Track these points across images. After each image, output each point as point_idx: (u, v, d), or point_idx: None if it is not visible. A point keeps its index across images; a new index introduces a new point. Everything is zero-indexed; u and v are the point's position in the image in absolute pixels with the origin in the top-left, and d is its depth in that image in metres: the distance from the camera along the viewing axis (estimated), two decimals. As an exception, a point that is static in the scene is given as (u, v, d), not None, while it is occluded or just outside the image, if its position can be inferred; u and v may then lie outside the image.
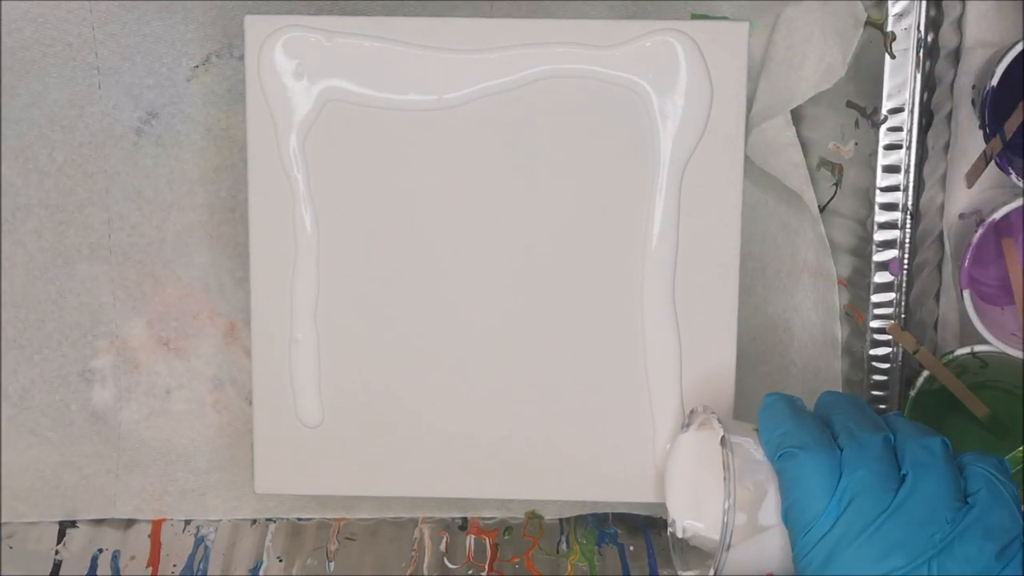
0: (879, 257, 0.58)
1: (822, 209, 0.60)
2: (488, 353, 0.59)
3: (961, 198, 0.60)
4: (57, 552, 0.64)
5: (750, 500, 0.48)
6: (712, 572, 0.49)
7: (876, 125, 0.57)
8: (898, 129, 0.57)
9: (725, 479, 0.48)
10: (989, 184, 0.59)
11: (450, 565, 0.62)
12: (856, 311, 0.59)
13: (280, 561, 0.63)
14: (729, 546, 0.48)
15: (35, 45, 0.61)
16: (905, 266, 0.58)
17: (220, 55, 0.61)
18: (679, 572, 0.53)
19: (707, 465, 0.51)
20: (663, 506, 0.64)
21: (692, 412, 0.54)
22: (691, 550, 0.52)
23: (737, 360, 0.59)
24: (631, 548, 0.63)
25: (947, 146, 0.59)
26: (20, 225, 0.62)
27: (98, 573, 0.63)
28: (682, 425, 0.55)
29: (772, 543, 0.48)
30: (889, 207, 0.57)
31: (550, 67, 0.57)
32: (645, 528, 0.64)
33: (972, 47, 0.58)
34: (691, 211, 0.57)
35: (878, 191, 0.57)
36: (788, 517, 0.47)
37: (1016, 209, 0.57)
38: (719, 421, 0.51)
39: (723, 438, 0.49)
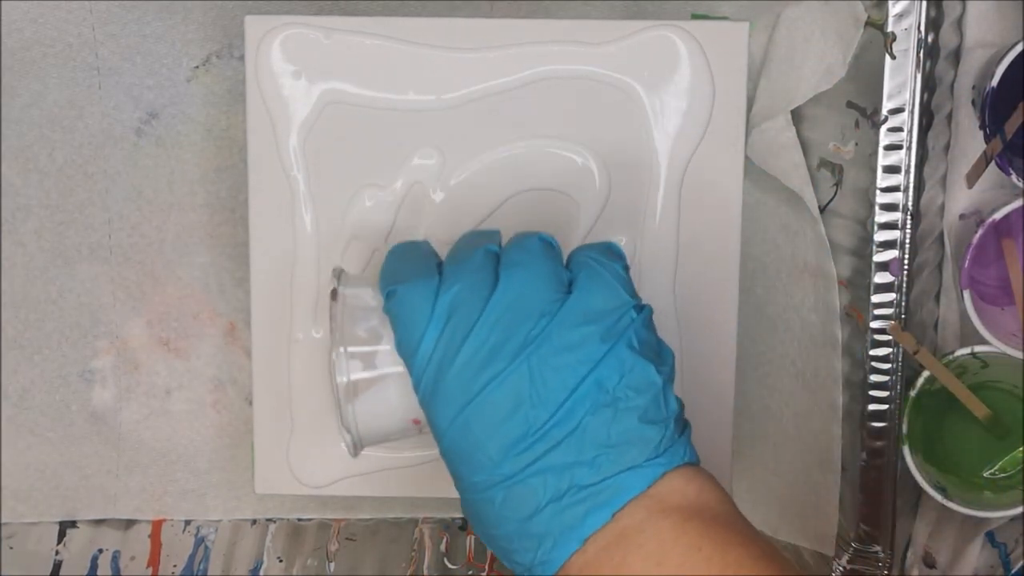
0: (879, 257, 0.58)
1: (822, 209, 0.60)
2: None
3: (961, 198, 0.60)
4: (57, 552, 0.64)
5: (363, 349, 0.47)
6: (345, 433, 0.48)
7: (876, 125, 0.57)
8: (898, 129, 0.56)
9: (332, 331, 0.47)
10: (989, 184, 0.59)
11: (450, 565, 0.63)
12: (856, 311, 0.59)
13: (280, 561, 0.63)
14: (351, 400, 0.47)
15: (35, 45, 0.61)
16: (905, 266, 0.58)
17: (220, 55, 0.61)
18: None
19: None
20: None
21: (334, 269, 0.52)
22: None
23: (737, 360, 0.59)
24: (631, 548, 0.63)
25: (947, 146, 0.59)
26: (20, 225, 0.62)
27: (98, 573, 0.63)
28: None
29: (398, 387, 0.47)
30: (889, 207, 0.57)
31: (550, 67, 0.57)
32: (645, 528, 0.64)
33: (972, 47, 0.58)
34: (691, 211, 0.57)
35: (878, 191, 0.57)
36: (400, 352, 0.45)
37: (1016, 209, 0.57)
38: (337, 276, 0.49)
39: (333, 291, 0.48)
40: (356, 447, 0.49)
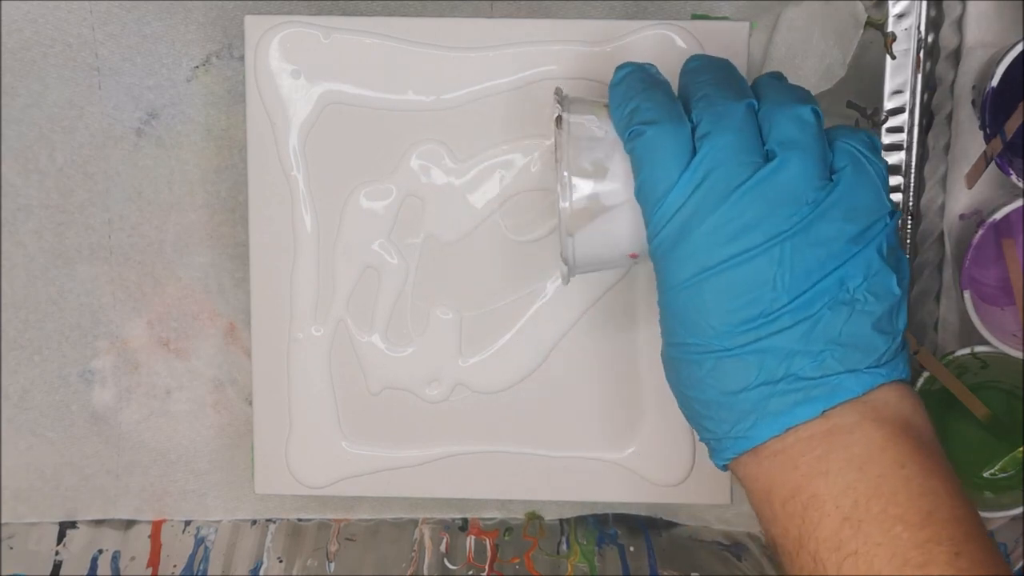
0: (879, 257, 0.58)
1: (822, 209, 0.60)
2: (488, 353, 0.59)
3: (961, 199, 0.60)
4: (57, 552, 0.64)
5: (589, 180, 0.45)
6: (562, 261, 0.47)
7: (877, 125, 0.57)
8: (899, 130, 0.57)
9: (557, 160, 0.46)
10: (989, 185, 0.60)
11: (450, 566, 0.63)
12: (856, 311, 0.59)
13: (280, 562, 0.63)
14: (571, 232, 0.46)
15: (35, 45, 0.61)
16: (905, 266, 0.58)
17: (220, 55, 0.61)
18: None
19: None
20: (663, 507, 0.64)
21: (556, 91, 0.50)
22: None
23: (737, 360, 0.59)
24: (631, 548, 0.63)
25: (947, 147, 0.59)
26: (20, 225, 0.62)
27: (98, 574, 0.63)
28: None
29: (622, 222, 0.46)
30: (889, 207, 0.57)
31: (550, 67, 0.57)
32: (645, 528, 0.64)
33: (972, 47, 0.58)
34: (691, 211, 0.57)
35: (878, 191, 0.57)
36: (640, 195, 0.43)
37: (1016, 209, 0.57)
38: (560, 100, 0.47)
39: (558, 117, 0.46)
40: (570, 276, 0.48)
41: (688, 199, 0.42)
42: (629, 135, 0.44)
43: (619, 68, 0.47)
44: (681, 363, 0.43)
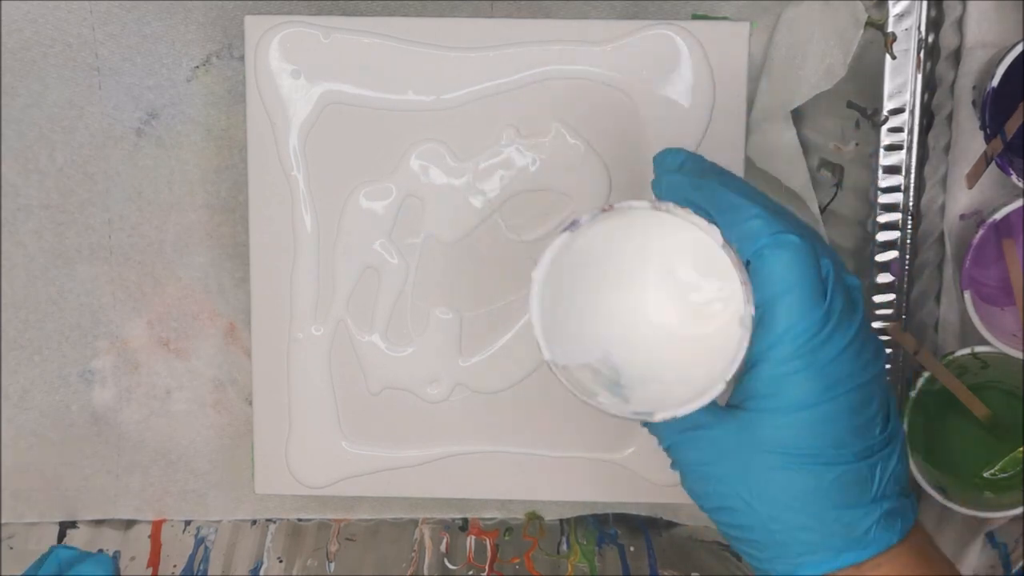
0: (880, 258, 0.58)
1: (823, 210, 0.60)
2: (488, 353, 0.59)
3: (962, 199, 0.60)
4: (57, 552, 0.64)
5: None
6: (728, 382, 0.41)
7: (877, 126, 0.57)
8: (899, 130, 0.56)
9: (743, 283, 0.40)
10: (989, 184, 0.59)
11: (450, 566, 0.63)
12: (856, 312, 0.59)
13: (280, 561, 0.63)
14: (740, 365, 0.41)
15: (35, 45, 0.61)
16: (906, 267, 0.58)
17: (220, 55, 0.61)
18: (654, 416, 0.43)
19: (656, 270, 0.43)
20: (663, 507, 0.64)
21: (590, 216, 0.41)
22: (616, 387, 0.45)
23: (737, 361, 0.59)
24: (631, 548, 0.63)
25: (948, 147, 0.59)
26: (20, 225, 0.62)
27: (98, 573, 0.63)
28: (564, 227, 0.41)
29: (753, 335, 0.41)
30: (890, 208, 0.57)
31: (550, 67, 0.57)
32: (645, 528, 0.64)
33: (973, 48, 0.58)
34: (691, 212, 0.57)
35: (879, 192, 0.57)
36: (776, 311, 0.41)
37: (1016, 210, 0.57)
38: (673, 208, 0.41)
39: (724, 241, 0.40)
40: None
41: (829, 319, 0.42)
42: (770, 243, 0.42)
43: (681, 176, 0.45)
44: (793, 474, 0.43)
